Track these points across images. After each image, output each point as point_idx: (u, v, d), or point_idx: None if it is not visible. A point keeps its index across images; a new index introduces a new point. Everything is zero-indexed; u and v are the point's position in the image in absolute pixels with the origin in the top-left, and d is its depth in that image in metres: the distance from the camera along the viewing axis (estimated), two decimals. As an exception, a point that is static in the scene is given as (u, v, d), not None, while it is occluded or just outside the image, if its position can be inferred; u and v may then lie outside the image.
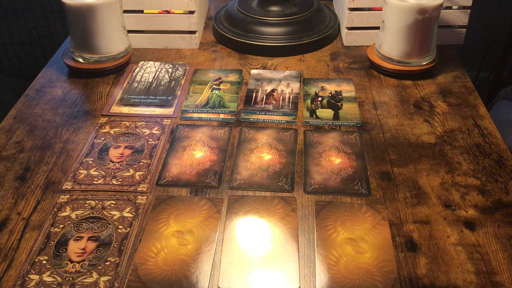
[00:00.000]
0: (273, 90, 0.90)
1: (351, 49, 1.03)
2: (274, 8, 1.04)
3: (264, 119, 0.82)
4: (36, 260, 0.58)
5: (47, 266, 0.58)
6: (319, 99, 0.87)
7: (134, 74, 0.95)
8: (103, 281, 0.56)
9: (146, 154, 0.75)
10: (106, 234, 0.61)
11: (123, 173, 0.71)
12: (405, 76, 0.92)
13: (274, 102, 0.87)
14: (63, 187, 0.69)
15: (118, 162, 0.73)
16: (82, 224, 0.63)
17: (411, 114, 0.83)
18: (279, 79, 0.93)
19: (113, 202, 0.66)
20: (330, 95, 0.88)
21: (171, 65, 0.97)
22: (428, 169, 0.71)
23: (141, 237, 0.61)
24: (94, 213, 0.65)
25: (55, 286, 0.55)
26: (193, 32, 1.03)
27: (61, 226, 0.63)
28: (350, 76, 0.93)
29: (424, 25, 0.88)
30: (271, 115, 0.83)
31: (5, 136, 0.79)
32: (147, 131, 0.79)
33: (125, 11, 0.98)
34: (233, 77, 0.94)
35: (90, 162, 0.73)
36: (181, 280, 0.56)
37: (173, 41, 1.04)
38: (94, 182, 0.70)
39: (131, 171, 0.71)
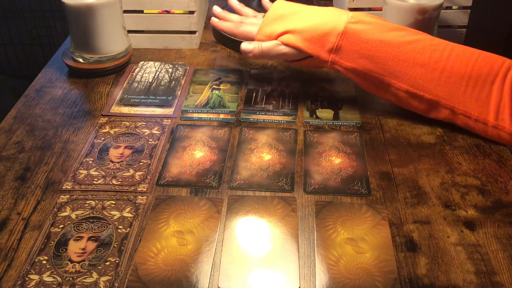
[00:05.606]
0: (273, 90, 0.90)
1: (351, 49, 1.02)
2: (274, 8, 1.03)
3: (264, 119, 0.82)
4: (36, 260, 0.58)
5: (47, 266, 0.57)
6: (319, 99, 0.87)
7: (134, 74, 0.95)
8: (103, 281, 0.56)
9: (146, 154, 0.75)
10: (106, 234, 0.61)
11: (123, 173, 0.71)
12: (405, 76, 0.92)
13: (274, 102, 0.87)
14: (63, 187, 0.69)
15: (118, 162, 0.73)
16: (82, 224, 0.63)
17: (411, 114, 0.83)
18: (279, 79, 0.93)
19: (113, 202, 0.66)
20: (330, 95, 0.88)
21: (171, 65, 0.97)
22: (428, 169, 0.71)
23: (141, 237, 0.61)
24: (94, 213, 0.65)
25: (55, 286, 0.55)
26: (193, 32, 1.03)
27: (61, 226, 0.63)
28: (350, 76, 0.93)
29: (424, 25, 0.88)
30: (271, 115, 0.83)
31: (5, 136, 0.79)
32: (147, 131, 0.79)
33: (125, 11, 0.98)
34: (233, 77, 0.94)
35: (90, 162, 0.73)
36: (181, 280, 0.56)
37: (173, 41, 1.04)
38: (94, 182, 0.70)
39: (131, 171, 0.71)
